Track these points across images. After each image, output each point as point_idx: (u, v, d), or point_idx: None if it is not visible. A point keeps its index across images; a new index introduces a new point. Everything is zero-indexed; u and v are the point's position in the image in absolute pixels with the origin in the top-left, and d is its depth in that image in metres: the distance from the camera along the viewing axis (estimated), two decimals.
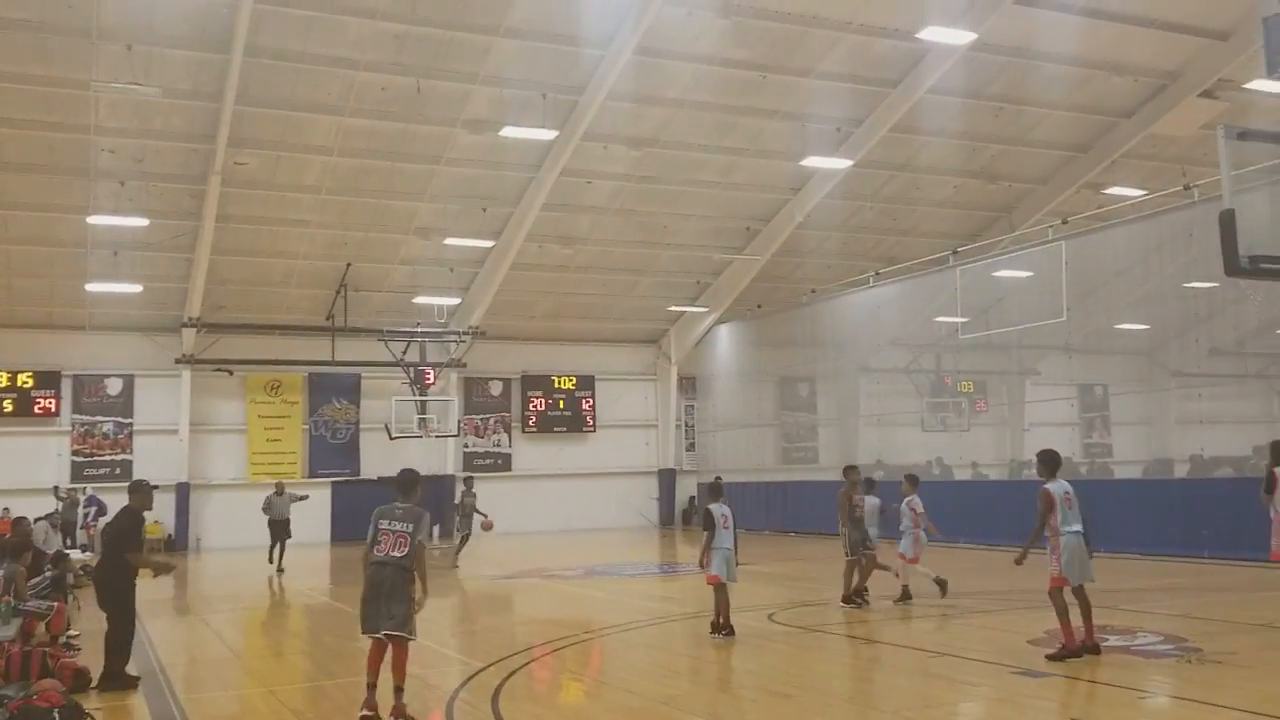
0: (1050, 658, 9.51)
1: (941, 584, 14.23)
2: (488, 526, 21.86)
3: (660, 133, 24.97)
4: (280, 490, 23.27)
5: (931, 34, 20.96)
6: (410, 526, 8.06)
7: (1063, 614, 9.64)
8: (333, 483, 30.52)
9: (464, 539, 22.54)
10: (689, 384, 35.86)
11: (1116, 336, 31.08)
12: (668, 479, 35.19)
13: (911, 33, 21.46)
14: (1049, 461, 9.98)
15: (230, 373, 29.50)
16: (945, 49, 22.30)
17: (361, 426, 31.04)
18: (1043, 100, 25.56)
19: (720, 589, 11.55)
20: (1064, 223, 23.71)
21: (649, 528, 34.12)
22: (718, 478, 25.75)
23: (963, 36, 21.09)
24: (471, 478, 23.86)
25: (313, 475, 30.36)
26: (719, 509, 11.59)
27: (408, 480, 8.46)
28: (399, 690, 8.11)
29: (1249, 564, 16.43)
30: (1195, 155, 26.62)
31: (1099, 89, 25.36)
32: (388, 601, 7.97)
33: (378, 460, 30.25)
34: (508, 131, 22.89)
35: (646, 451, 35.09)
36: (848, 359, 31.55)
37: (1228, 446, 26.97)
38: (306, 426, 30.79)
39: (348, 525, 29.12)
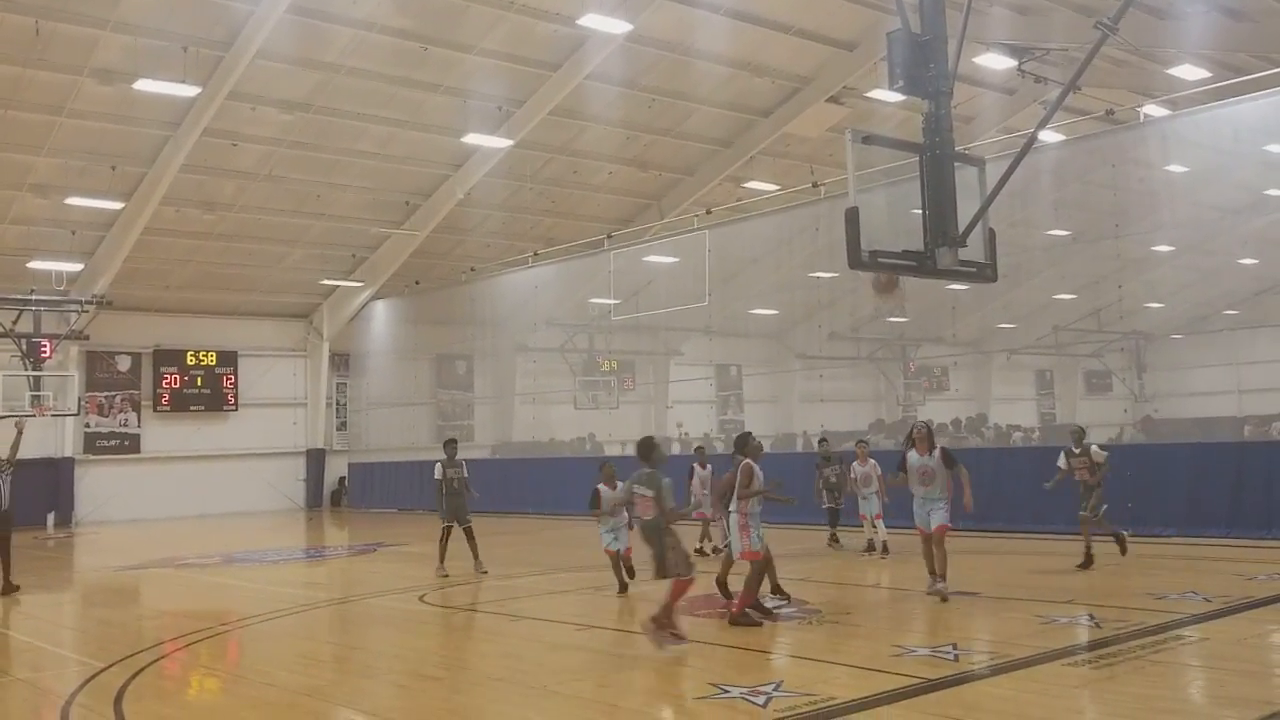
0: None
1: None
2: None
3: (315, 97, 23.87)
4: None
5: (591, 21, 21.44)
6: None
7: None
8: None
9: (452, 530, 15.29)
10: (342, 361, 34.76)
11: (751, 320, 33.34)
12: (316, 459, 33.95)
13: (572, 18, 21.84)
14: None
15: None
16: (604, 37, 22.84)
17: None
18: (692, 95, 26.80)
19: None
20: (708, 213, 25.09)
21: (295, 511, 32.78)
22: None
23: (620, 26, 21.73)
24: (454, 440, 16.13)
25: None
26: (607, 492, 12.56)
27: None
28: None
29: (861, 530, 18.11)
30: (822, 155, 28.96)
31: (742, 88, 26.94)
32: None
33: None
34: (142, 84, 20.99)
35: (294, 431, 33.65)
36: (505, 338, 31.82)
37: (844, 423, 29.61)
38: None
39: None
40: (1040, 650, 8.50)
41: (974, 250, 9.99)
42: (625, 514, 11.86)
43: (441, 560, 15.15)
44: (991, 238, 10.22)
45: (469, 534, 15.11)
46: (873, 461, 15.74)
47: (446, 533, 15.13)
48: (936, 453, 11.50)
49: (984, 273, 10.27)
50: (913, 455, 11.58)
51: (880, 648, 8.94)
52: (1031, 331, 32.56)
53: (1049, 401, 39.65)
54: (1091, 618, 9.91)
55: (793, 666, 8.69)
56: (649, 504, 9.32)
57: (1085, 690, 7.47)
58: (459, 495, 15.19)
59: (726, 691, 7.59)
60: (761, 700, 7.31)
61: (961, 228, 9.68)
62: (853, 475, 15.91)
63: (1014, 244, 20.14)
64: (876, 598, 12.22)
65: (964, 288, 22.46)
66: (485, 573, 14.88)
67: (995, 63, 23.69)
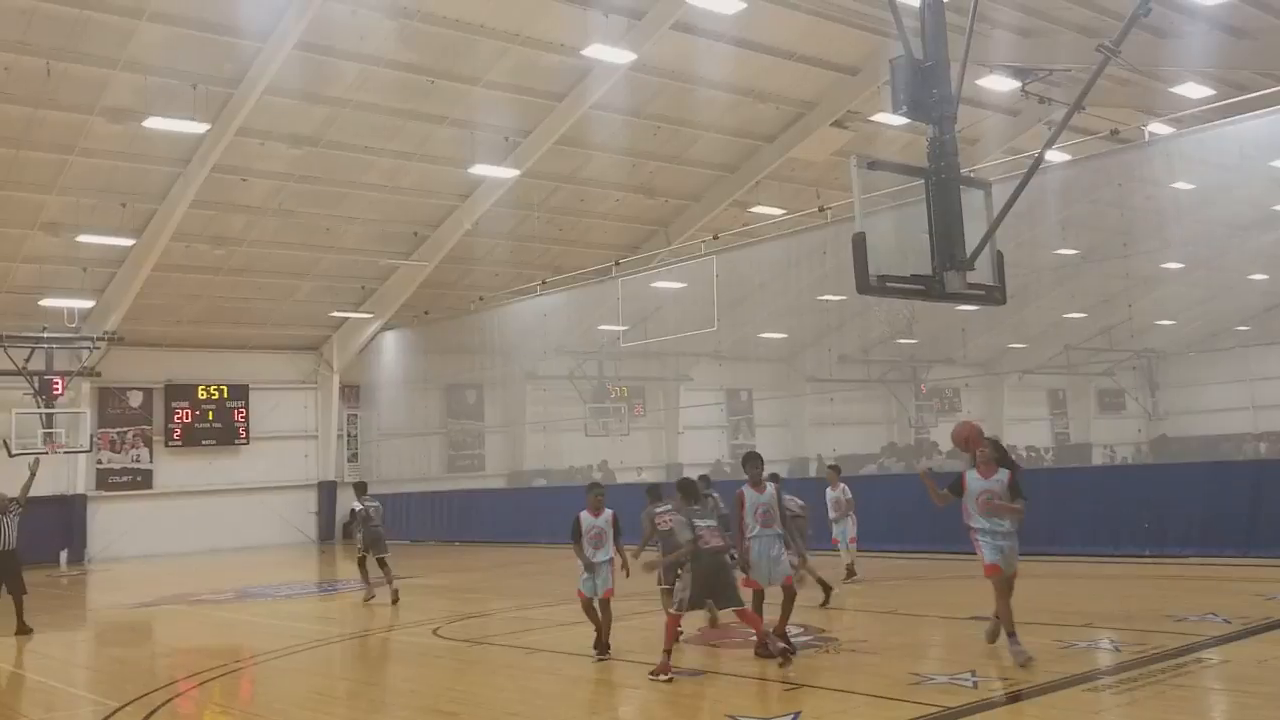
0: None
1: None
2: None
3: (323, 132, 24.03)
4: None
5: (595, 51, 21.58)
6: None
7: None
8: None
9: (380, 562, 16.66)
10: (352, 392, 34.80)
11: (760, 345, 33.30)
12: (328, 492, 33.91)
13: (576, 49, 21.99)
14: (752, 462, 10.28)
15: None
16: (608, 67, 22.98)
17: None
18: (697, 122, 26.93)
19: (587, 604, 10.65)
20: (715, 238, 25.14)
21: (308, 544, 32.74)
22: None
23: (624, 56, 21.85)
24: (365, 484, 18.27)
25: None
26: (588, 519, 10.51)
27: None
28: None
29: (880, 554, 18.06)
30: (828, 179, 29.03)
31: (746, 114, 27.04)
32: None
33: None
34: (152, 122, 21.17)
35: (305, 464, 33.65)
36: (515, 366, 31.82)
37: (856, 446, 29.51)
38: None
39: None
40: (1060, 676, 8.43)
41: (982, 273, 9.94)
42: (611, 548, 10.50)
43: (368, 582, 16.70)
44: (999, 260, 10.18)
45: (382, 563, 16.49)
46: (843, 486, 15.76)
47: (362, 561, 16.72)
48: (1004, 475, 9.34)
49: (993, 295, 10.22)
50: (973, 477, 9.45)
51: (898, 676, 8.87)
52: (1042, 351, 32.42)
53: (1062, 421, 39.45)
54: (1111, 641, 9.82)
55: (810, 696, 8.62)
56: (716, 534, 9.63)
57: (1106, 716, 7.40)
58: (376, 528, 16.64)
59: None
60: None
61: (969, 250, 9.65)
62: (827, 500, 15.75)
63: (1022, 265, 20.07)
64: (892, 625, 12.13)
65: (974, 309, 22.42)
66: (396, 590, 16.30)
67: (999, 85, 23.75)
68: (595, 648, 10.55)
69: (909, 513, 19.24)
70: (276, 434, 32.91)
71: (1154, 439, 27.06)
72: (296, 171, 25.15)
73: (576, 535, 10.50)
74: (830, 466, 16.71)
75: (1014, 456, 9.75)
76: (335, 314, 32.40)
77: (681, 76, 24.71)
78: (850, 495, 15.72)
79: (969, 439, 9.56)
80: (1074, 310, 30.24)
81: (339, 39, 21.35)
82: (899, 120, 20.68)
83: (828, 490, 15.70)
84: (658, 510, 11.02)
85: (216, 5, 19.86)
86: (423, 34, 21.80)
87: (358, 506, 16.95)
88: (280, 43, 20.52)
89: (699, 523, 9.66)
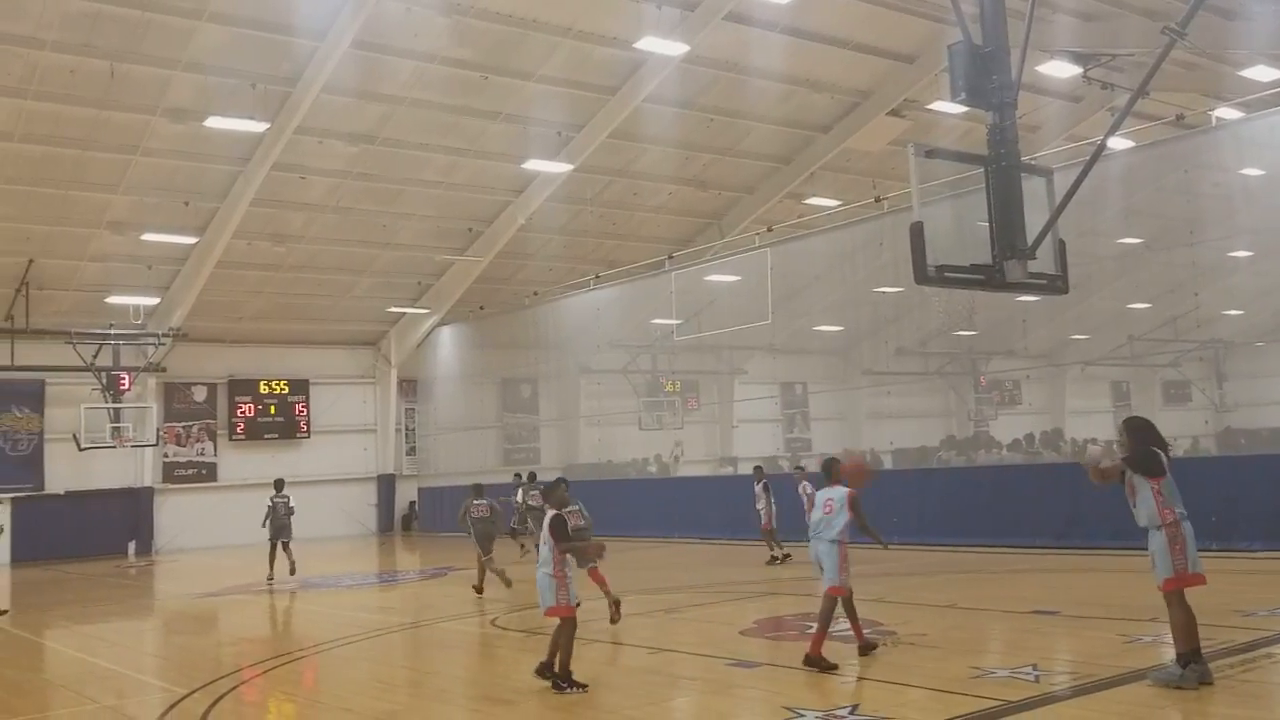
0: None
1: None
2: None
3: (379, 129, 24.29)
4: None
5: (648, 44, 21.56)
6: None
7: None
8: (12, 499, 27.76)
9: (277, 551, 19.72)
10: (410, 387, 35.17)
11: (815, 337, 33.06)
12: (387, 485, 34.34)
13: (629, 42, 21.99)
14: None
15: None
16: (661, 59, 22.95)
17: (46, 436, 28.38)
18: (750, 113, 26.79)
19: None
20: (769, 230, 25.00)
21: (368, 535, 33.16)
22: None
23: (677, 48, 21.81)
24: (282, 480, 20.85)
25: None
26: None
27: None
28: None
29: (933, 549, 17.87)
30: (884, 169, 28.72)
31: (800, 104, 26.86)
32: None
33: (65, 473, 27.87)
34: (213, 122, 21.58)
35: (365, 457, 34.10)
36: (569, 360, 31.95)
37: (914, 439, 29.19)
38: None
39: (29, 544, 26.70)
40: (1124, 670, 8.28)
41: (1044, 262, 9.79)
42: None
43: (272, 569, 19.39)
44: (1061, 249, 10.01)
45: (285, 547, 19.64)
46: (804, 483, 16.81)
47: (273, 548, 19.59)
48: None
49: (1055, 284, 10.06)
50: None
51: (957, 669, 8.77)
52: (1106, 342, 31.81)
53: (1126, 413, 38.65)
54: None
55: (868, 689, 8.56)
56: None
57: (1170, 711, 7.26)
58: (283, 519, 19.65)
59: (801, 715, 7.49)
60: None
61: (1030, 239, 9.50)
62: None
63: (1085, 253, 19.71)
64: (951, 618, 11.99)
65: (1035, 300, 22.07)
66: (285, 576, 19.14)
67: (1060, 70, 23.33)
68: (567, 682, 8.89)
69: (966, 506, 19.04)
70: (336, 428, 33.38)
71: (1221, 431, 26.46)
72: (354, 169, 25.45)
73: (564, 536, 9.22)
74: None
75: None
76: (392, 309, 32.76)
77: (735, 68, 24.60)
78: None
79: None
80: (1138, 300, 29.65)
81: (393, 37, 21.56)
82: (957, 108, 20.50)
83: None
84: (474, 502, 15.96)
85: (274, 5, 20.16)
86: (476, 30, 21.94)
87: (269, 502, 19.81)
88: (336, 41, 20.78)
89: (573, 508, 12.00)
